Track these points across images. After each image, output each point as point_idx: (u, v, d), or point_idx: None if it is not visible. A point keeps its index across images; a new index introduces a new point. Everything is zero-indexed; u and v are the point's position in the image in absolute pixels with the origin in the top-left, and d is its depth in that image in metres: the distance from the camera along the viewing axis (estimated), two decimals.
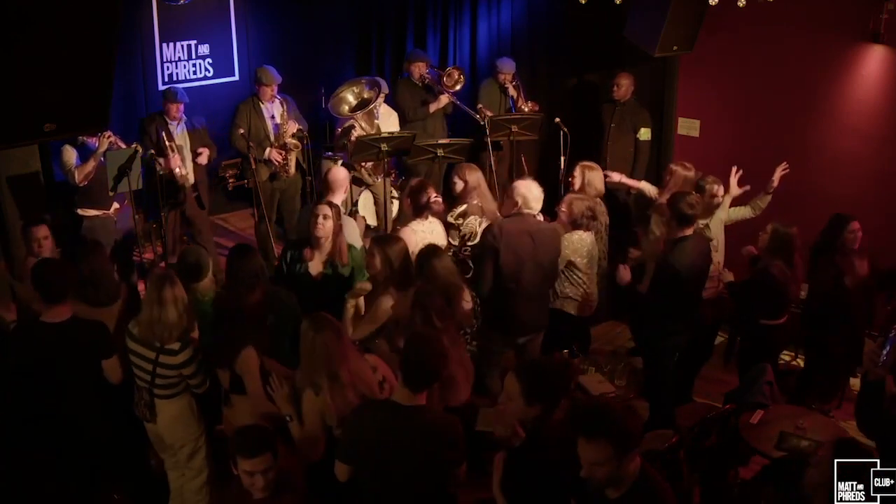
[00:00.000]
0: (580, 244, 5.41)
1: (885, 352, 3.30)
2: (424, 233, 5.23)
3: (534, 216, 5.19)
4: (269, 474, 3.16)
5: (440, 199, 5.38)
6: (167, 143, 6.36)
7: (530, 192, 5.12)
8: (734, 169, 5.95)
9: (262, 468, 3.14)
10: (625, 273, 5.20)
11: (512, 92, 7.64)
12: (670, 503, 2.85)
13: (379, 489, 3.37)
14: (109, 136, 5.87)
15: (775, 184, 5.82)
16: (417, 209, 5.30)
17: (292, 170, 6.96)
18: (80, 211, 6.14)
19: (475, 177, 5.58)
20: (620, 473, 2.76)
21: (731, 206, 5.91)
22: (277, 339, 4.27)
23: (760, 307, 5.26)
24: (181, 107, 6.50)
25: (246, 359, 3.99)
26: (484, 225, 5.42)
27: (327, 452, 3.67)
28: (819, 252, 5.39)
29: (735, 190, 5.94)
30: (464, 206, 5.55)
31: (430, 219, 5.34)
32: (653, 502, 2.82)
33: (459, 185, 5.56)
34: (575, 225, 5.41)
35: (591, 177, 5.81)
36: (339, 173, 5.68)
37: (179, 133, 6.57)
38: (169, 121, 6.52)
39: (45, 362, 4.05)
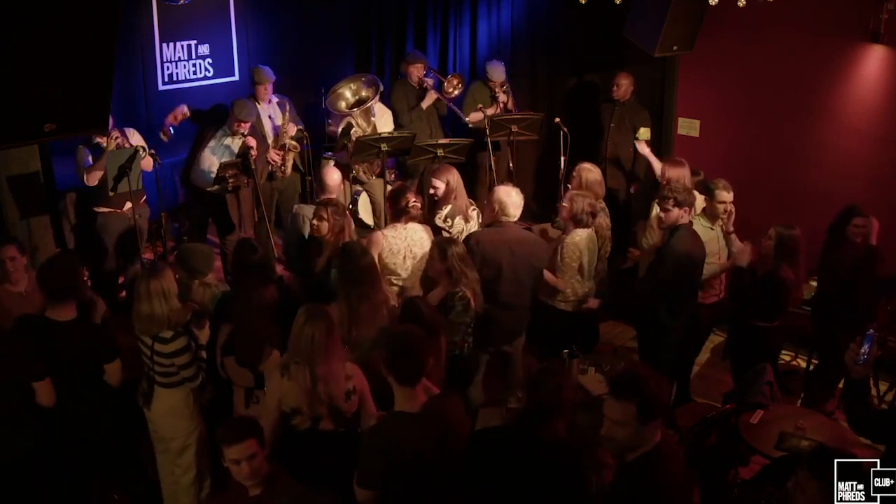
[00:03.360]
0: (573, 245, 5.31)
1: (863, 350, 3.31)
2: (395, 238, 5.09)
3: (515, 224, 5.14)
4: (254, 462, 3.18)
5: (418, 203, 5.24)
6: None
7: (509, 199, 5.06)
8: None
9: (247, 455, 3.16)
10: None
11: (503, 98, 7.61)
12: (675, 478, 2.94)
13: (410, 495, 3.35)
14: (117, 137, 5.85)
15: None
16: (396, 213, 5.19)
17: (289, 170, 6.97)
18: (95, 208, 6.15)
19: (455, 178, 5.55)
20: (639, 440, 2.88)
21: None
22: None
23: (761, 309, 5.25)
24: (248, 125, 6.42)
25: (274, 360, 4.02)
26: (465, 224, 5.46)
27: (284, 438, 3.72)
28: (828, 243, 5.37)
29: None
30: (448, 207, 5.53)
31: (410, 224, 5.19)
32: (655, 473, 2.89)
33: (441, 188, 5.53)
34: (576, 221, 5.33)
35: (590, 178, 5.80)
36: (336, 175, 5.69)
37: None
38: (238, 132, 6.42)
39: (48, 359, 4.02)
